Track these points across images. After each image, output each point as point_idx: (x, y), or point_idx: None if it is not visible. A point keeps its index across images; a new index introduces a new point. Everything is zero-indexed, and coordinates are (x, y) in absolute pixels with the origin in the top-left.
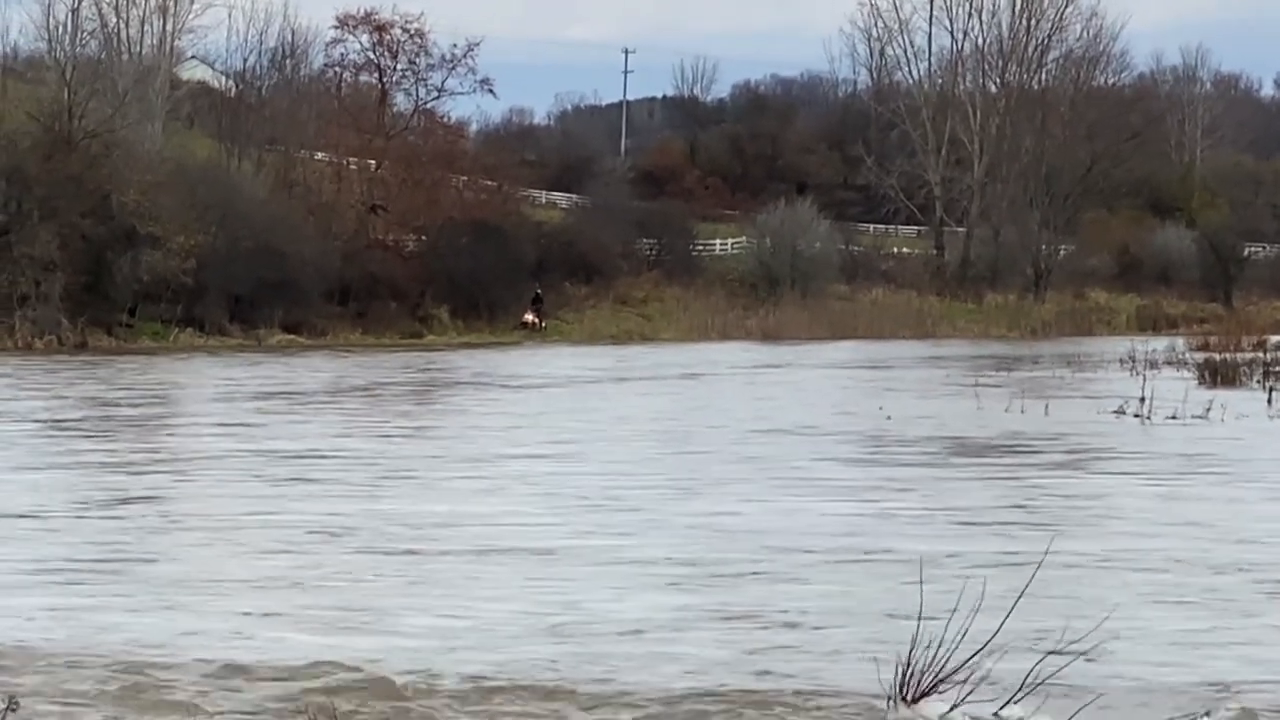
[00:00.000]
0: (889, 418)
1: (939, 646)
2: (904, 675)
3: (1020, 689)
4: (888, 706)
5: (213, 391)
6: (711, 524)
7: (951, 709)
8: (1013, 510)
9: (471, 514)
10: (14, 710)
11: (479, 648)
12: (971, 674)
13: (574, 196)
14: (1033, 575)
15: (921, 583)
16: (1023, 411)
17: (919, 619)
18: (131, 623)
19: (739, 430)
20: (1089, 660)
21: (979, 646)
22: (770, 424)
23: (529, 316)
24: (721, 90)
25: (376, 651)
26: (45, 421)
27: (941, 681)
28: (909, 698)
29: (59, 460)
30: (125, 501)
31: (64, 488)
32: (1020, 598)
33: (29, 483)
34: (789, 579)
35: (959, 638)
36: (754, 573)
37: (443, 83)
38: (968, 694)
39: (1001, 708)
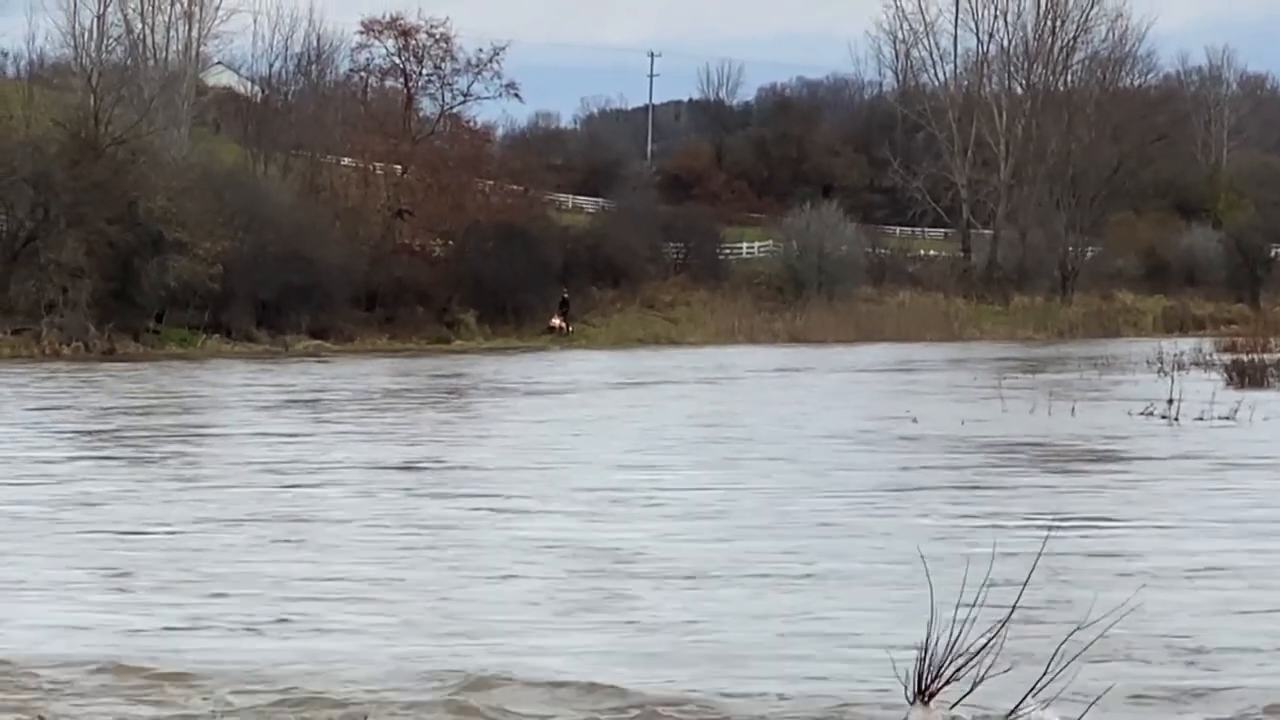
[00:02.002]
0: (914, 420)
1: (953, 645)
2: (921, 673)
3: (1033, 689)
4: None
5: (275, 398)
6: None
7: (954, 706)
8: (1036, 509)
9: (649, 537)
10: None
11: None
12: (988, 671)
13: (600, 200)
14: (1032, 569)
15: (930, 585)
16: (1049, 413)
17: (930, 618)
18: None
19: (809, 435)
20: (1104, 659)
21: (988, 642)
22: (825, 428)
23: (556, 321)
24: (747, 93)
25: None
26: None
27: (955, 678)
28: (925, 695)
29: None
30: (437, 526)
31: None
32: (1022, 593)
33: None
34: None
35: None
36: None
37: (468, 87)
38: (976, 691)
39: (1018, 704)
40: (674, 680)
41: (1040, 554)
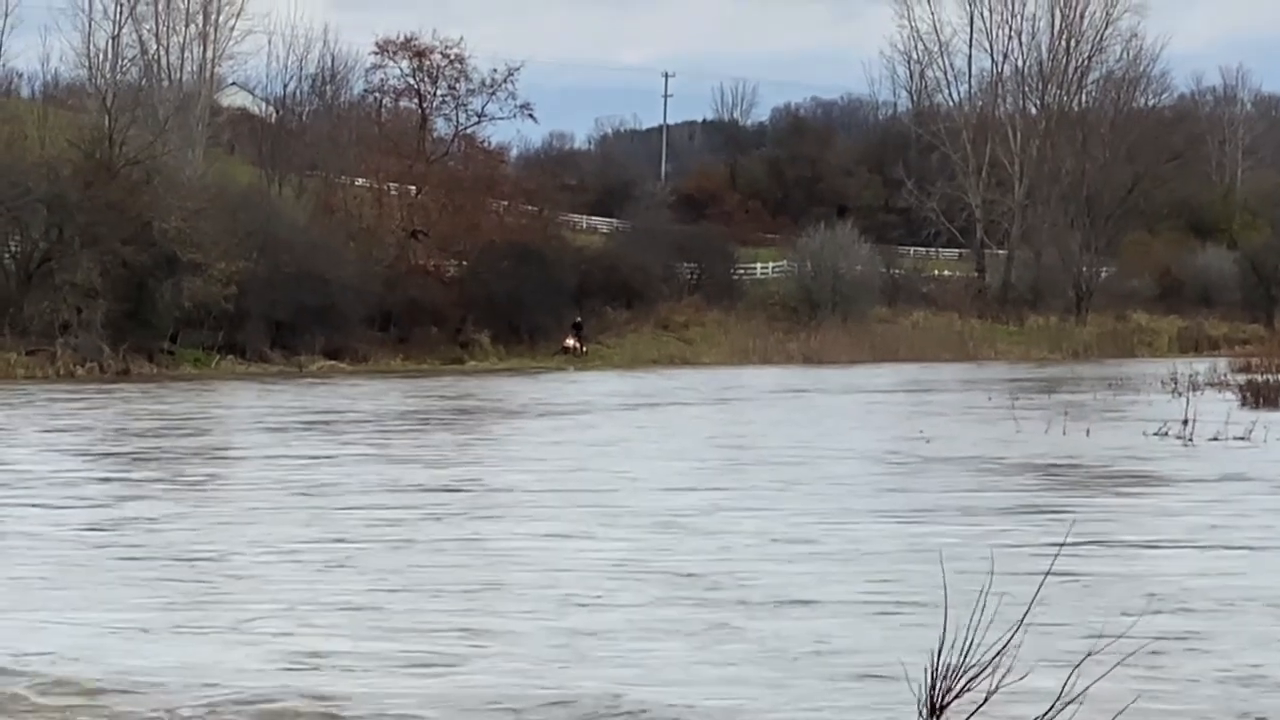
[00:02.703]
0: (928, 441)
1: (964, 658)
2: (931, 686)
3: (1054, 706)
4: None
5: (295, 419)
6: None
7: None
8: (1050, 527)
9: (724, 561)
10: None
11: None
12: (1000, 685)
13: (614, 221)
14: (1040, 585)
15: (946, 598)
16: (1064, 433)
17: (942, 631)
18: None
19: (840, 456)
20: (1121, 676)
21: (998, 656)
22: (852, 449)
23: (570, 341)
24: (761, 114)
25: None
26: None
27: (966, 691)
28: (936, 709)
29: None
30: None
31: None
32: (1030, 607)
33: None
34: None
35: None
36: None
37: (483, 108)
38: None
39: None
40: (811, 708)
41: (1048, 572)
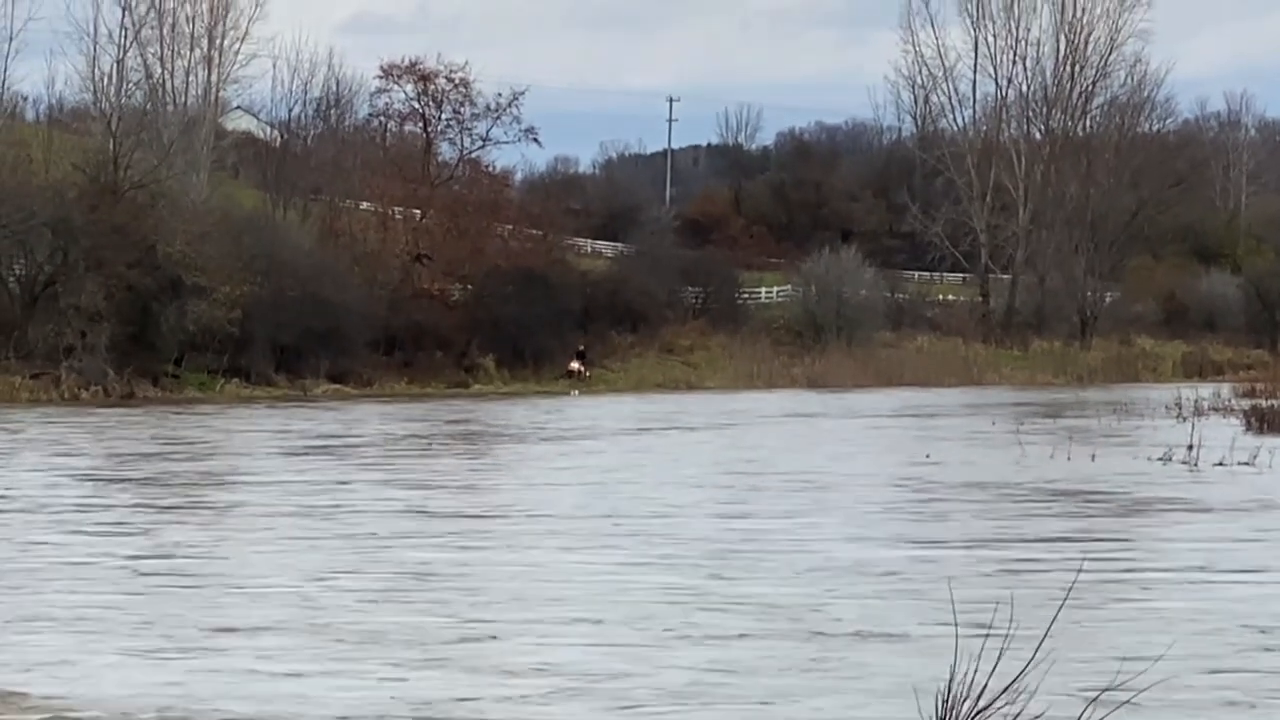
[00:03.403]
0: (936, 464)
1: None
2: (943, 709)
3: None
4: None
5: (310, 443)
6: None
7: None
8: (1058, 554)
9: (794, 590)
10: None
11: None
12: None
13: (619, 245)
14: (1056, 613)
15: (956, 621)
16: (1069, 459)
17: (955, 655)
18: None
19: (856, 480)
20: (1134, 705)
21: (1011, 684)
22: (866, 473)
23: (575, 365)
24: (766, 138)
25: None
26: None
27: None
28: None
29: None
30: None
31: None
32: (1045, 636)
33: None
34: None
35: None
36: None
37: (487, 132)
38: None
39: None
40: None
41: (1064, 601)
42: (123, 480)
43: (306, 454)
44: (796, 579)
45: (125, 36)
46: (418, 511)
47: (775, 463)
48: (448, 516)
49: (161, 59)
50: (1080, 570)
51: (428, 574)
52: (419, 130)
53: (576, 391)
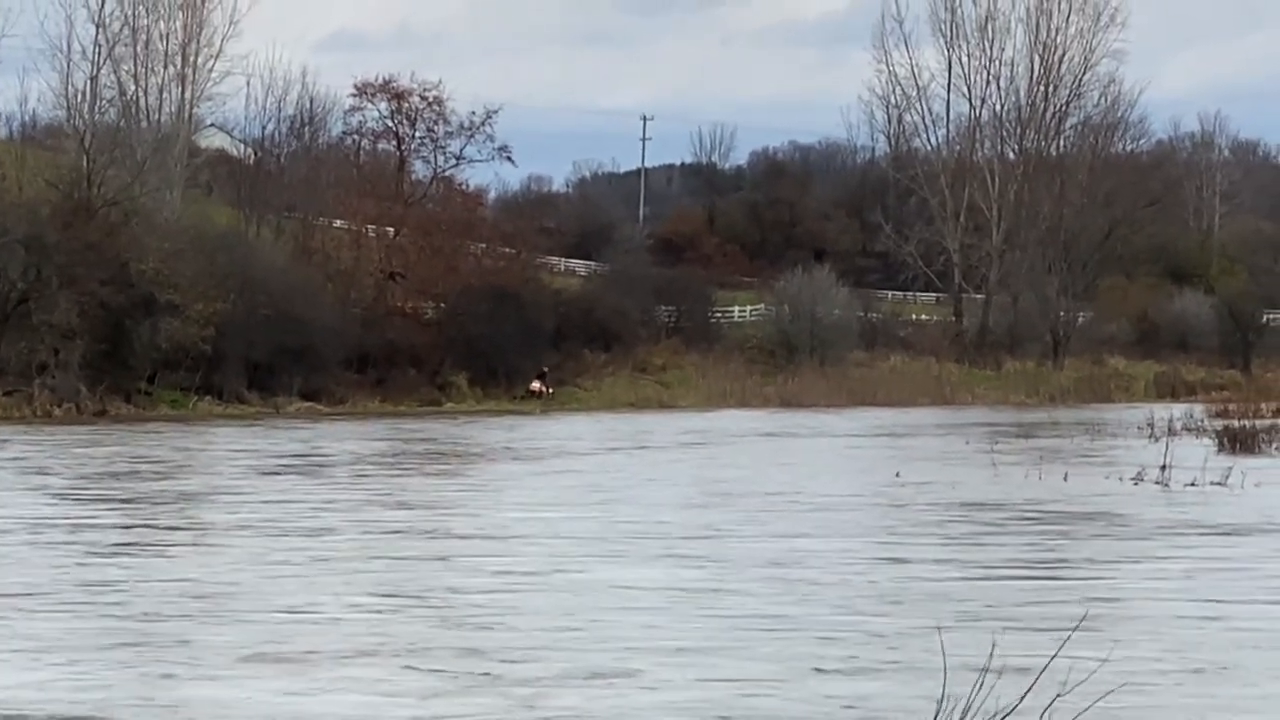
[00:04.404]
0: (904, 484)
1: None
2: None
3: None
4: None
5: (299, 462)
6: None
7: None
8: (1032, 579)
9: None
10: None
11: None
12: None
13: (592, 264)
14: (1062, 645)
15: (944, 647)
16: (1041, 478)
17: (944, 681)
18: None
19: (836, 499)
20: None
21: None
22: (843, 493)
23: (536, 385)
24: (739, 157)
25: None
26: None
27: None
28: None
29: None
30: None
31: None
32: (1047, 665)
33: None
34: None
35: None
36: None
37: (461, 150)
38: None
39: None
40: None
41: (1054, 656)
42: (119, 501)
43: (308, 471)
44: (884, 604)
45: (99, 53)
46: (430, 534)
47: (763, 482)
48: (448, 538)
49: (135, 76)
50: (1071, 630)
51: (473, 592)
52: (393, 148)
53: (538, 410)
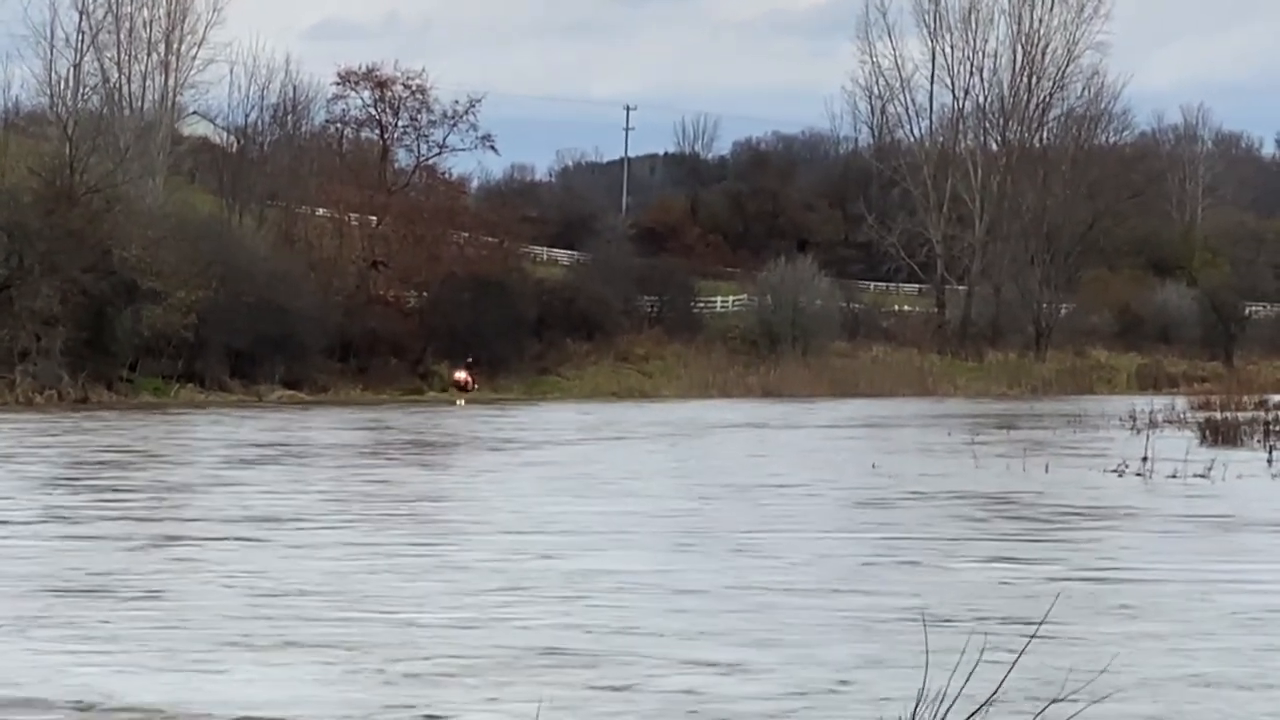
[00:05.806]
0: (888, 476)
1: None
2: None
3: None
4: None
5: (298, 449)
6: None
7: None
8: (1012, 566)
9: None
10: None
11: None
12: None
13: (575, 253)
14: (1034, 633)
15: (928, 644)
16: (1024, 470)
17: (925, 675)
18: None
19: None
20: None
21: (986, 702)
22: (824, 486)
23: (461, 375)
24: (723, 147)
25: None
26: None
27: None
28: None
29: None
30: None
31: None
32: (1021, 654)
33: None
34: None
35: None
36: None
37: (444, 139)
38: None
39: None
40: None
41: (1030, 638)
42: (106, 489)
43: (307, 459)
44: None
45: (82, 41)
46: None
47: (755, 473)
48: (507, 532)
49: (118, 64)
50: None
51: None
52: (376, 137)
53: (462, 402)
